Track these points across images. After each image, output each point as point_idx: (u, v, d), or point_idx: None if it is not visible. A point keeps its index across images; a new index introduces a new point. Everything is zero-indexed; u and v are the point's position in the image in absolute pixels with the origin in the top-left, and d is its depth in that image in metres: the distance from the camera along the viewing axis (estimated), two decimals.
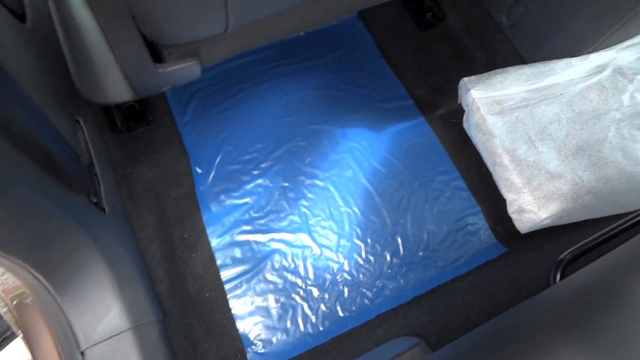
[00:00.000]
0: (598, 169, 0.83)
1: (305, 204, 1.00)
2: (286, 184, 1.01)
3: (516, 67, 0.85)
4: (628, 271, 0.56)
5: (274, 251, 0.95)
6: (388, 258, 0.97)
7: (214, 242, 0.94)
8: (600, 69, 0.85)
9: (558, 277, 0.69)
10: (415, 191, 1.03)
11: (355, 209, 1.00)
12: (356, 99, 1.11)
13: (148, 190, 0.90)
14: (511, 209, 0.85)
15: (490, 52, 1.03)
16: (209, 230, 0.95)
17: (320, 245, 0.96)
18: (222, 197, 0.98)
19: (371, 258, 0.97)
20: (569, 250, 0.73)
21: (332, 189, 1.02)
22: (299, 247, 0.96)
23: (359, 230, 0.99)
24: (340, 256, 0.96)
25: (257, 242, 0.96)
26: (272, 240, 0.96)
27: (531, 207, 0.83)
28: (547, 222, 0.84)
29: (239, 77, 1.09)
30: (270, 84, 1.10)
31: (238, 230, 0.96)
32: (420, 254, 0.98)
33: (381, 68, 1.16)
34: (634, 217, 0.79)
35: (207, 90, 1.07)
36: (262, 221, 0.97)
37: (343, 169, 1.04)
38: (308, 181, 1.02)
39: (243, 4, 0.53)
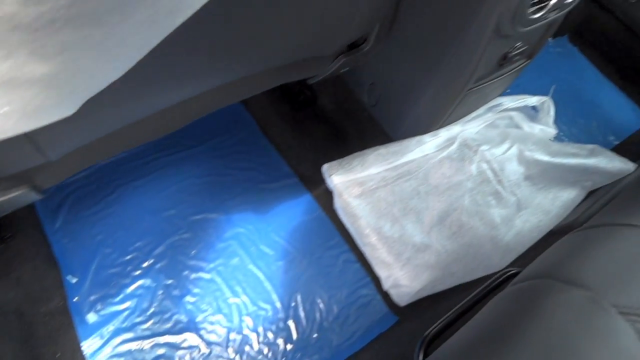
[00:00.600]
0: (460, 236, 0.88)
1: (191, 300, 0.97)
2: (170, 282, 0.98)
3: (373, 148, 0.90)
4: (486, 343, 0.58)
5: (158, 358, 0.90)
6: (282, 345, 0.95)
7: (91, 358, 0.88)
8: (449, 143, 0.92)
9: (421, 357, 0.71)
10: (305, 270, 1.04)
11: (244, 298, 0.98)
12: (240, 182, 1.12)
13: (8, 313, 0.83)
14: (386, 285, 0.87)
15: (360, 129, 1.09)
16: (84, 345, 0.88)
17: (209, 343, 0.93)
18: (99, 305, 0.93)
19: (264, 348, 0.94)
20: (433, 326, 0.75)
21: (218, 280, 0.99)
22: (185, 348, 0.92)
23: (249, 321, 0.96)
24: (231, 351, 0.93)
25: (140, 350, 0.90)
26: (156, 345, 0.91)
27: (404, 281, 0.85)
28: (423, 293, 0.87)
29: (115, 174, 1.07)
30: (149, 177, 1.08)
31: (118, 340, 0.90)
32: (315, 335, 0.97)
33: (264, 148, 1.18)
34: (496, 280, 0.83)
35: (80, 192, 1.03)
36: (145, 326, 0.93)
37: (229, 257, 1.02)
38: (193, 275, 0.99)
39: (56, 137, 0.52)
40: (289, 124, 1.17)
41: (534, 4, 0.69)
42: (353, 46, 0.86)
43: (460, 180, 0.89)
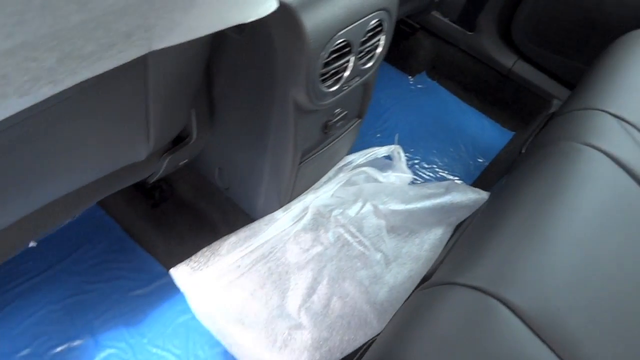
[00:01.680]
0: (331, 310, 0.84)
1: None
2: None
3: (223, 238, 0.87)
4: None
5: None
6: None
7: None
8: (303, 214, 0.91)
9: None
10: None
11: None
12: (107, 295, 1.03)
13: None
14: None
15: (223, 212, 1.06)
16: None
17: None
18: None
19: None
20: None
21: None
22: None
23: None
24: None
25: None
26: None
27: None
28: None
29: None
30: None
31: None
32: None
33: (132, 252, 1.11)
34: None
35: None
36: None
37: None
38: None
39: None
40: (151, 221, 1.11)
41: (327, 79, 0.70)
42: (178, 140, 0.83)
43: (320, 251, 0.87)
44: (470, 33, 1.57)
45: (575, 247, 0.63)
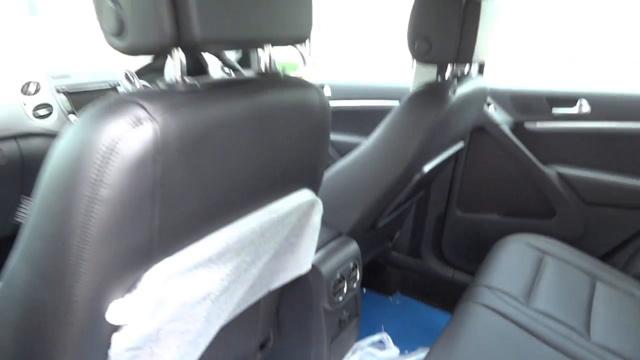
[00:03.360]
0: None
1: None
2: None
3: None
4: None
5: None
6: None
7: None
8: None
9: None
10: None
11: None
12: None
13: None
14: None
15: None
16: None
17: None
18: None
19: None
20: None
21: None
22: None
23: None
24: None
25: None
26: None
27: None
28: None
29: None
30: None
31: None
32: None
33: None
34: None
35: None
36: None
37: None
38: None
39: None
40: None
41: (336, 294, 1.44)
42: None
43: None
44: (418, 260, 2.40)
45: None
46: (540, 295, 1.55)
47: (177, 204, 0.68)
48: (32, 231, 0.68)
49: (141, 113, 0.61)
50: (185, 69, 0.69)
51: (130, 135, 0.59)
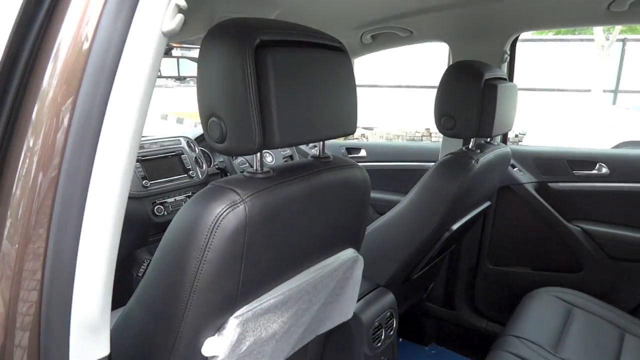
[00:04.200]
0: None
1: None
2: None
3: None
4: None
5: None
6: None
7: None
8: None
9: None
10: None
11: None
12: None
13: None
14: None
15: None
16: None
17: None
18: None
19: None
20: None
21: None
22: None
23: None
24: None
25: None
26: None
27: None
28: None
29: None
30: None
31: None
32: None
33: None
34: None
35: None
36: None
37: None
38: None
39: None
40: None
41: (374, 340, 1.60)
42: None
43: None
44: (452, 311, 2.51)
45: None
46: (569, 346, 1.65)
47: (257, 263, 0.91)
48: (150, 282, 0.91)
49: (236, 197, 0.84)
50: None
51: (230, 214, 0.83)
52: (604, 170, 2.12)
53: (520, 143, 8.59)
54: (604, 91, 8.85)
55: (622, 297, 2.08)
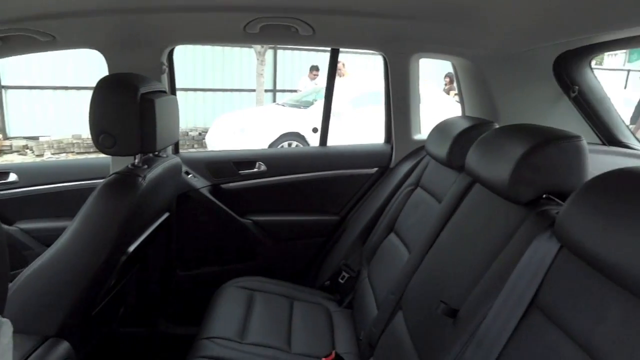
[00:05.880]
0: None
1: None
2: None
3: None
4: None
5: None
6: None
7: None
8: None
9: None
10: None
11: None
12: None
13: None
14: None
15: None
16: None
17: None
18: None
19: None
20: None
21: None
22: None
23: None
24: None
25: None
26: None
27: None
28: None
29: None
30: None
31: None
32: None
33: None
34: None
35: None
36: None
37: None
38: None
39: None
40: None
41: None
42: None
43: None
44: (150, 327, 2.42)
45: None
46: (252, 330, 1.85)
47: None
48: None
49: None
50: None
51: None
52: (263, 167, 2.47)
53: (204, 141, 9.11)
54: (266, 90, 10.35)
55: (286, 271, 2.50)
